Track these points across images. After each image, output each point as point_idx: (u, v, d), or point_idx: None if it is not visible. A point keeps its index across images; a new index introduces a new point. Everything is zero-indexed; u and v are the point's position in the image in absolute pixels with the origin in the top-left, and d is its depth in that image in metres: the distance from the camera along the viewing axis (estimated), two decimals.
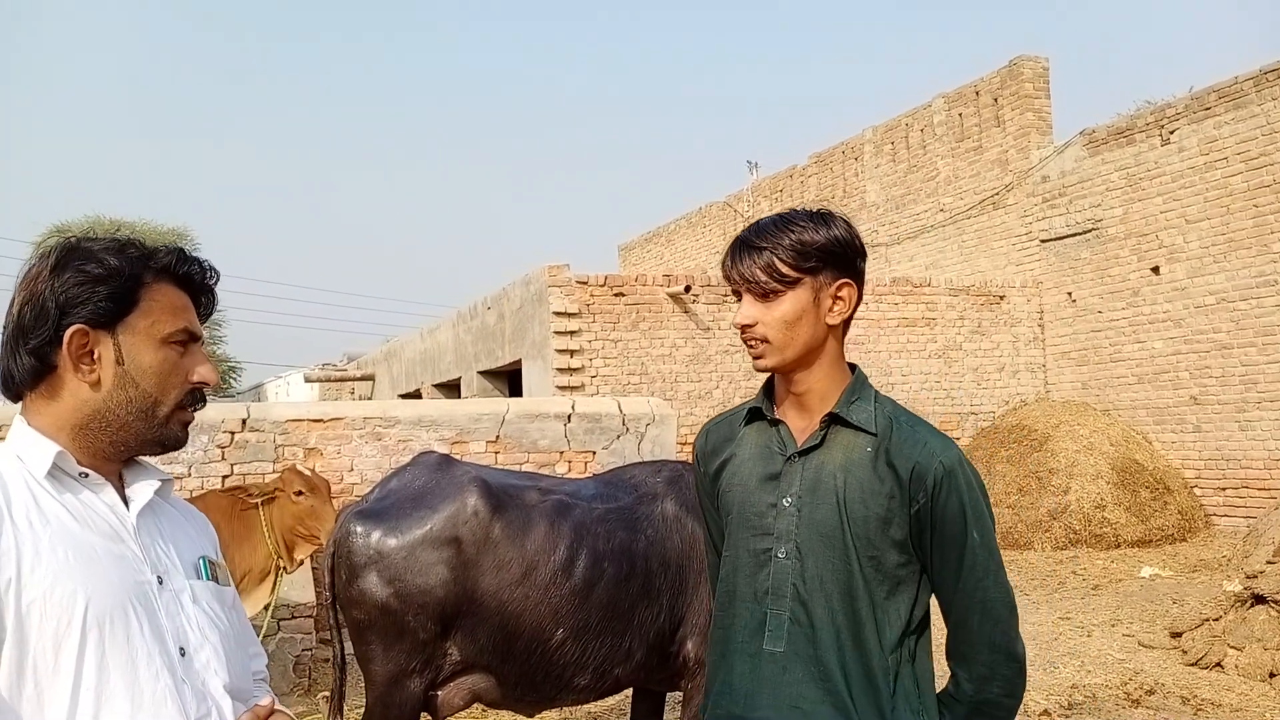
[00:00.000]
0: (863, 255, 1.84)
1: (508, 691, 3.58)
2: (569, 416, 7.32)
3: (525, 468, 6.87)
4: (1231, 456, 11.83)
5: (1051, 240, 14.00)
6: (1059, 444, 12.05)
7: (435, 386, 16.44)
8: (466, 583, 3.43)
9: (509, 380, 14.42)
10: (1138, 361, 12.88)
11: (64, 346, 1.36)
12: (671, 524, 3.78)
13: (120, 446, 1.42)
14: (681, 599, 3.72)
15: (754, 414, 1.93)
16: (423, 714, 3.55)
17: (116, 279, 1.39)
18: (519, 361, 13.01)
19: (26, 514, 1.31)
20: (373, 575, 3.41)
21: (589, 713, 5.47)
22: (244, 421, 6.50)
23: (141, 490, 1.46)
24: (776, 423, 1.87)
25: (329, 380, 22.02)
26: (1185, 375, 12.29)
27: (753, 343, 1.80)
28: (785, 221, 1.78)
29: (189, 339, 1.46)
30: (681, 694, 3.86)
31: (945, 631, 1.82)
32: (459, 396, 15.03)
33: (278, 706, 1.47)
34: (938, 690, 1.84)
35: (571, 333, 11.89)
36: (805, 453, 1.81)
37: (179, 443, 1.48)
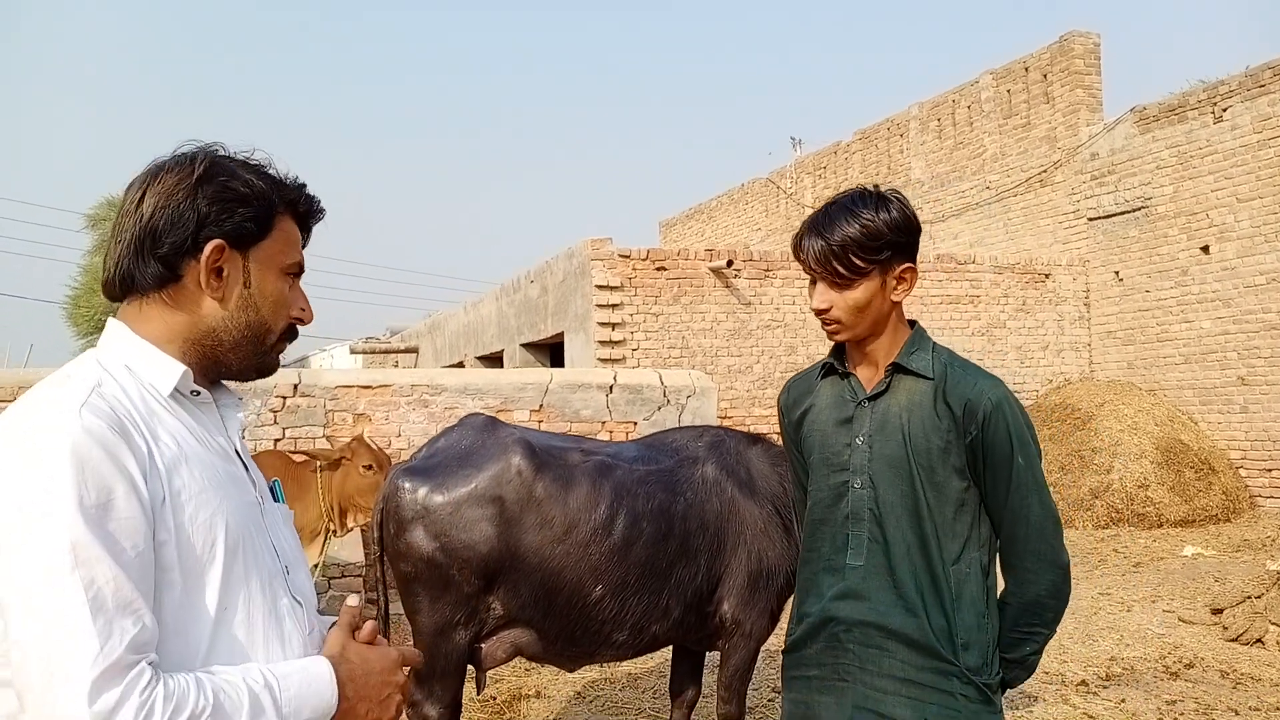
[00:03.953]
0: (918, 231, 2.08)
1: (548, 646, 3.68)
2: (611, 387, 7.40)
3: None
4: (1278, 438, 11.68)
5: (1100, 218, 13.84)
6: (1103, 423, 11.97)
7: (478, 359, 16.60)
8: (509, 539, 3.52)
9: (551, 353, 14.54)
10: (1185, 341, 12.73)
11: (200, 259, 1.34)
12: (711, 487, 3.84)
13: (223, 367, 1.42)
14: (719, 560, 3.79)
15: (828, 369, 2.19)
16: (467, 666, 3.65)
17: (260, 202, 1.38)
18: (561, 334, 13.12)
19: (165, 431, 1.29)
20: (419, 530, 3.51)
21: (628, 673, 5.58)
22: (295, 387, 6.65)
23: (234, 412, 1.47)
24: (847, 375, 2.14)
25: (373, 352, 22.29)
26: (1233, 355, 12.14)
27: (828, 322, 2.05)
28: (852, 212, 2.00)
29: (299, 272, 1.47)
30: (719, 654, 3.93)
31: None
32: (501, 369, 15.17)
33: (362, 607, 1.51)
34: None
35: (613, 306, 11.96)
36: (874, 398, 2.08)
37: (272, 371, 1.48)
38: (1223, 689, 5.40)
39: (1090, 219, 13.97)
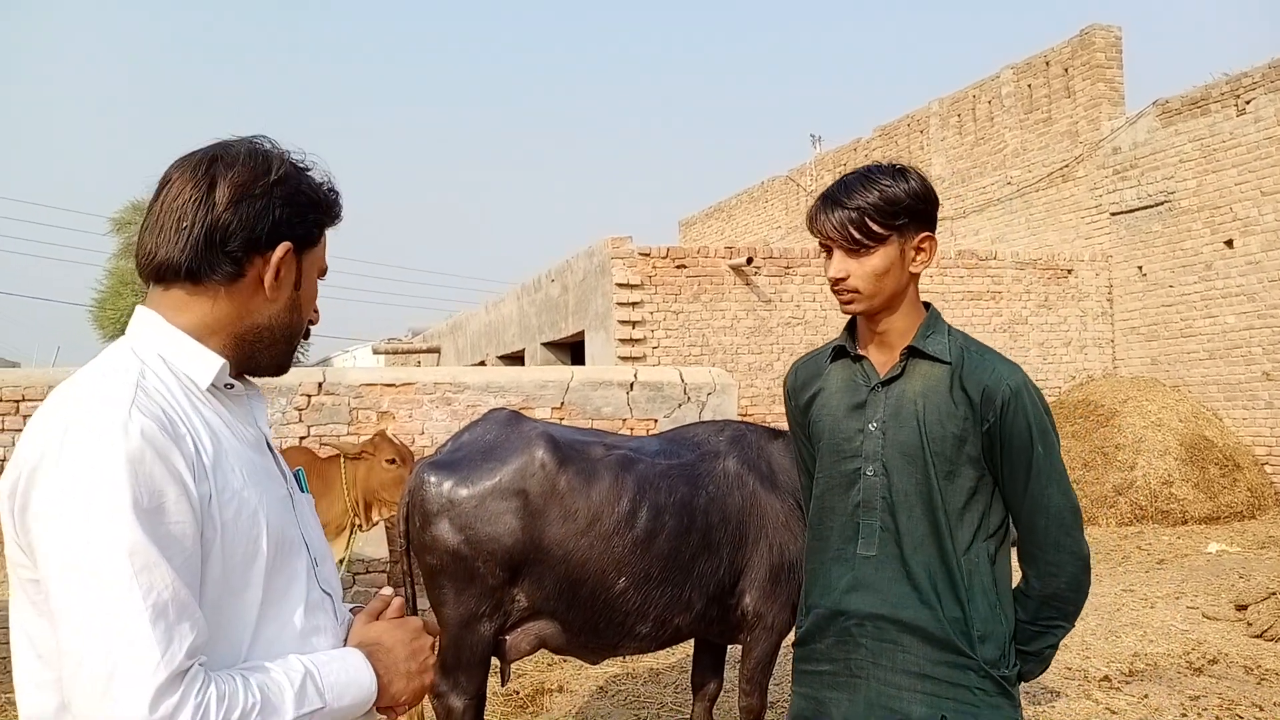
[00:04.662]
0: (937, 204, 2.03)
1: (572, 638, 3.71)
2: (631, 385, 7.44)
3: None
4: None
5: (1122, 213, 13.76)
6: (1126, 420, 11.90)
7: (500, 358, 16.68)
8: (533, 532, 3.56)
9: (572, 351, 14.59)
10: (1209, 337, 12.64)
11: (269, 258, 1.34)
12: (732, 481, 3.87)
13: (254, 363, 1.41)
14: (741, 553, 3.82)
15: (838, 352, 2.12)
16: (492, 657, 3.69)
17: (323, 209, 1.41)
18: (582, 333, 13.16)
19: (204, 427, 1.28)
20: (444, 523, 3.56)
21: (650, 668, 5.61)
22: (320, 385, 6.73)
23: (260, 404, 1.46)
24: (859, 358, 2.07)
25: (395, 352, 22.42)
26: (1258, 350, 12.04)
27: (844, 292, 1.99)
28: (870, 180, 1.96)
29: (324, 276, 1.50)
30: (741, 647, 3.96)
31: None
32: (523, 367, 15.24)
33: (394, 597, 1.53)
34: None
35: (633, 304, 11.99)
36: (887, 383, 2.02)
37: (288, 370, 1.48)
38: (1246, 685, 5.38)
39: (1113, 214, 13.89)
